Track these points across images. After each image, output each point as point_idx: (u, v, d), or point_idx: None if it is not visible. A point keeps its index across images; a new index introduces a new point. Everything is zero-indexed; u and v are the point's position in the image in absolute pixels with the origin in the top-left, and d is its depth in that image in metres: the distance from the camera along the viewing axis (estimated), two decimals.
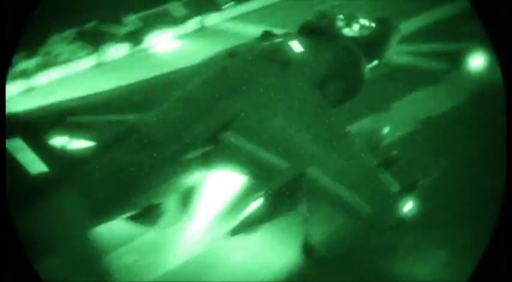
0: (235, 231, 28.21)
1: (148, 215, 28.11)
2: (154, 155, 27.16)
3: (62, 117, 28.52)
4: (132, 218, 28.00)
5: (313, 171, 26.55)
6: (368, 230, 27.04)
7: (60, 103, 30.29)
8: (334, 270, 28.04)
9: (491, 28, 29.80)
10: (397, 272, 27.92)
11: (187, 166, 27.90)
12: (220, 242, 28.73)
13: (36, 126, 25.43)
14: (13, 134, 24.20)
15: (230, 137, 28.32)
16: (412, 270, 27.91)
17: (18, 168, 24.19)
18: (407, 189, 25.85)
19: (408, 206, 25.49)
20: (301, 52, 32.42)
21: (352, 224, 27.99)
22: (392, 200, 25.44)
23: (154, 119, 28.29)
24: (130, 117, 28.68)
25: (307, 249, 28.64)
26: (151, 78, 31.80)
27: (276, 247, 29.01)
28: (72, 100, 30.42)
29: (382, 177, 26.26)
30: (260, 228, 28.27)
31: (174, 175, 27.72)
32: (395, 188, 25.93)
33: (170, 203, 28.57)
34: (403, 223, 25.42)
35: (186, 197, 28.68)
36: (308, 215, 27.92)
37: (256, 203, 27.71)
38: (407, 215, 25.44)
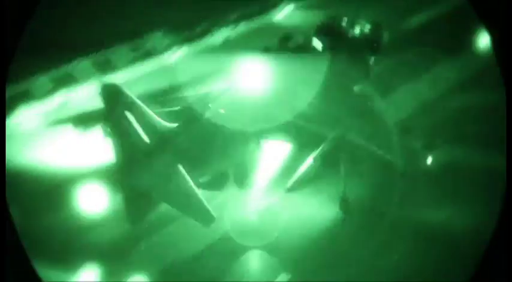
0: (290, 190, 34.86)
1: (217, 181, 34.48)
2: (223, 129, 33.81)
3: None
4: (204, 184, 34.26)
5: (351, 137, 33.61)
6: (397, 181, 34.14)
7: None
8: (365, 219, 34.87)
9: (491, 27, 35.33)
10: (418, 218, 34.41)
11: (248, 139, 34.56)
12: (277, 199, 35.19)
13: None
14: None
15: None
16: (430, 217, 34.32)
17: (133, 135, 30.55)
18: (428, 147, 33.19)
19: (429, 160, 32.79)
20: (322, 48, 39.64)
21: (381, 178, 35.14)
22: (417, 155, 32.70)
23: None
24: None
25: (344, 204, 35.41)
26: None
27: (320, 203, 35.49)
28: None
29: (406, 138, 33.64)
30: (309, 187, 34.96)
31: (239, 146, 34.35)
32: (417, 146, 33.27)
33: (235, 170, 35.21)
34: (427, 174, 32.66)
35: (248, 165, 35.38)
36: (345, 175, 34.83)
37: (306, 166, 34.46)
38: (430, 167, 32.72)
